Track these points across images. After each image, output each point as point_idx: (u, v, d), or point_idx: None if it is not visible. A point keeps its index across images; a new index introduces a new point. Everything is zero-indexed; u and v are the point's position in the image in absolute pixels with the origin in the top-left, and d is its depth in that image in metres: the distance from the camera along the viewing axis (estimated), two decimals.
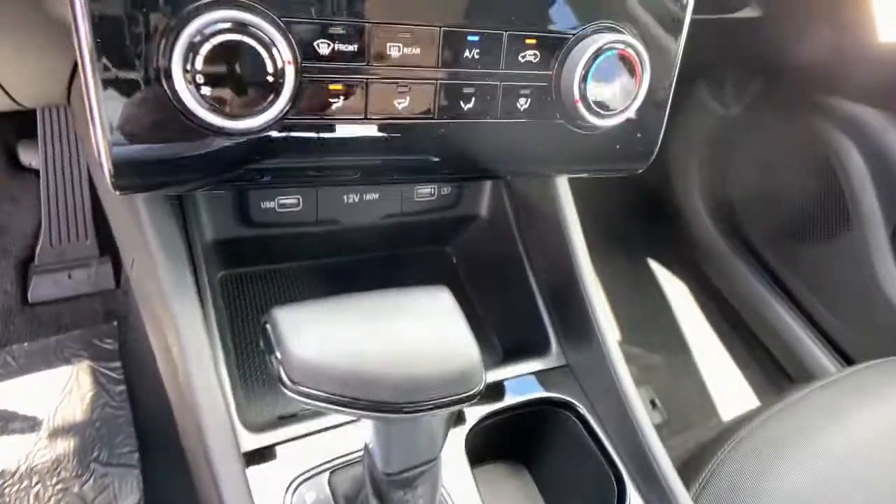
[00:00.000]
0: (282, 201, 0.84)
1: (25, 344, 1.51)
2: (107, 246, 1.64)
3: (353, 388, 0.49)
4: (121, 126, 0.52)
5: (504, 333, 0.98)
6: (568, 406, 0.85)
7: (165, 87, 0.51)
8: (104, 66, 0.49)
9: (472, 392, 0.53)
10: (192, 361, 0.67)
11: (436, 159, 0.65)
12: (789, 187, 1.74)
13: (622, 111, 0.66)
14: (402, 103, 0.60)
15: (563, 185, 0.87)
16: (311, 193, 0.85)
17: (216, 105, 0.51)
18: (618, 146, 0.71)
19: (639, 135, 0.71)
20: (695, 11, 0.92)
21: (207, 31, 0.49)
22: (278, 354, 0.50)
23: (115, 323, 1.59)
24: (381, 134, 0.60)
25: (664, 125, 0.72)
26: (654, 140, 0.73)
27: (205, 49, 0.49)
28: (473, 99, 0.62)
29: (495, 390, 0.83)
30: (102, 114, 0.50)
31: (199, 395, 0.66)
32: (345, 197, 0.87)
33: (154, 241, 0.69)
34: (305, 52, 0.55)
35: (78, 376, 1.52)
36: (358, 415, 0.51)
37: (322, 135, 0.59)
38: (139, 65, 0.50)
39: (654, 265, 2.15)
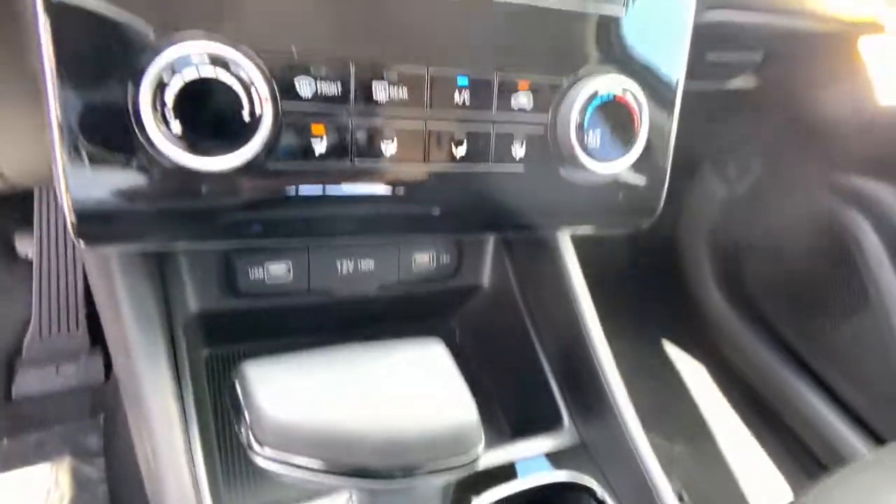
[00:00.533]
0: (271, 270, 0.80)
1: (4, 440, 1.42)
2: (98, 337, 1.58)
3: (329, 451, 0.43)
4: (84, 165, 0.48)
5: (512, 410, 0.90)
6: (586, 490, 0.76)
7: (133, 122, 0.48)
8: (67, 97, 0.46)
9: (467, 456, 0.46)
10: (165, 460, 0.60)
11: (429, 208, 0.61)
12: (803, 264, 1.69)
13: (622, 157, 0.62)
14: (389, 147, 0.56)
15: (567, 250, 0.83)
16: (303, 261, 0.81)
17: (186, 143, 0.48)
18: (621, 196, 0.67)
19: (642, 184, 0.68)
20: (687, 80, 0.91)
21: (179, 64, 0.47)
22: (246, 415, 0.44)
23: (102, 417, 1.50)
24: (368, 181, 0.57)
25: (668, 174, 0.69)
26: (659, 190, 0.69)
27: (175, 83, 0.47)
28: (466, 144, 0.59)
29: (505, 472, 0.75)
30: (64, 149, 0.47)
31: (171, 498, 0.59)
32: (338, 265, 0.83)
33: (129, 316, 0.64)
34: (286, 91, 0.52)
35: (58, 476, 1.41)
36: (336, 484, 0.44)
37: (303, 182, 0.55)
38: (105, 97, 0.47)
39: (669, 347, 2.06)
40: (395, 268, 0.86)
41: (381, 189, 0.58)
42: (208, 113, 0.48)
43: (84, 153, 0.48)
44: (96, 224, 0.51)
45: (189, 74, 0.47)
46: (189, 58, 0.47)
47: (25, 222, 1.61)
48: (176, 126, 0.47)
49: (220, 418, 0.83)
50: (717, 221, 1.91)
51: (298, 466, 0.43)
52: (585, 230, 0.75)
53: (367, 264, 0.84)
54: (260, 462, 0.44)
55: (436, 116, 0.57)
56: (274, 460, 0.43)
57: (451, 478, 0.47)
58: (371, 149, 0.56)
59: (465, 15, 0.56)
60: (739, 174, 1.86)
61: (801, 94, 1.25)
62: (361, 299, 0.86)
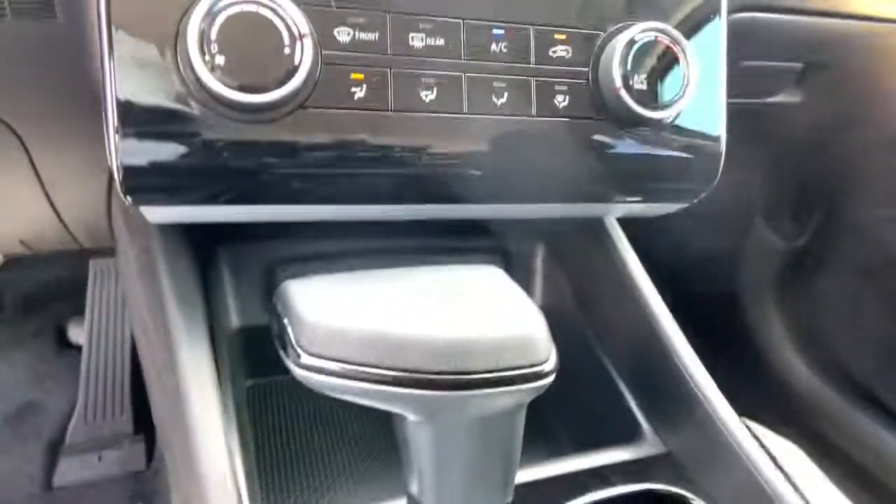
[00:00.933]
0: None
1: None
2: (142, 423, 1.54)
3: (378, 353, 0.37)
4: (133, 110, 0.48)
5: (580, 430, 0.81)
6: (682, 501, 0.65)
7: (178, 57, 0.48)
8: (119, 40, 0.48)
9: (537, 364, 0.40)
10: None
11: (472, 170, 0.58)
12: (887, 314, 1.55)
13: (673, 102, 0.60)
14: (428, 96, 0.56)
15: (621, 241, 0.78)
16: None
17: (229, 76, 0.48)
18: (674, 155, 0.64)
19: (698, 141, 0.64)
20: (729, 96, 0.90)
21: (223, 2, 0.48)
22: (286, 322, 0.40)
23: None
24: (408, 134, 0.55)
25: (723, 128, 0.65)
26: (716, 150, 0.65)
27: (220, 18, 0.48)
28: (506, 94, 0.58)
29: (583, 481, 0.65)
30: (115, 95, 0.48)
31: None
32: None
33: (177, 327, 0.60)
34: (326, 39, 0.53)
35: None
36: (387, 395, 0.38)
37: (344, 130, 0.54)
38: (154, 35, 0.49)
39: (751, 425, 1.86)
40: None
41: (420, 140, 0.56)
42: (252, 48, 0.49)
43: (133, 101, 0.48)
44: (144, 177, 0.50)
45: (233, 9, 0.48)
46: None
47: (78, 312, 1.65)
48: (220, 59, 0.48)
49: (264, 456, 0.77)
50: (783, 278, 1.80)
51: (341, 376, 0.38)
52: (637, 206, 0.70)
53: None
54: (301, 373, 0.39)
55: (473, 66, 0.57)
56: (314, 370, 0.38)
57: (521, 396, 0.40)
58: (410, 97, 0.55)
59: None
60: (795, 226, 1.78)
61: (851, 106, 1.21)
62: None
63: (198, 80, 0.48)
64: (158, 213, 0.57)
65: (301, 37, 0.50)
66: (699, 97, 0.62)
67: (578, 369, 0.82)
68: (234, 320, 0.75)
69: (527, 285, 0.88)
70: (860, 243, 1.62)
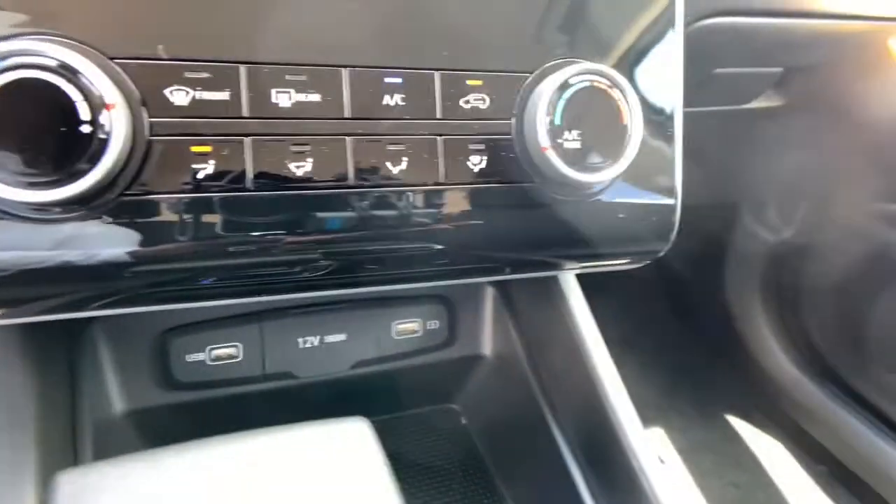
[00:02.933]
0: (215, 352, 0.65)
1: None
2: None
3: None
4: None
5: (524, 493, 0.71)
6: None
7: None
8: None
9: None
10: None
11: (358, 252, 0.46)
12: (874, 307, 1.47)
13: (612, 161, 0.48)
14: (301, 167, 0.43)
15: (573, 295, 0.67)
16: (255, 339, 0.66)
17: (4, 169, 0.35)
18: (617, 220, 0.52)
19: (646, 201, 0.53)
20: (706, 104, 0.78)
21: None
22: None
23: None
24: (272, 213, 0.43)
25: (678, 183, 0.54)
26: (670, 204, 0.54)
27: None
28: (404, 159, 0.45)
29: None
30: None
31: None
32: (300, 341, 0.68)
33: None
34: (156, 104, 0.40)
35: None
36: None
37: (184, 219, 0.41)
38: None
39: (732, 420, 1.80)
40: (371, 340, 0.71)
41: (293, 224, 0.44)
42: (33, 130, 0.36)
43: None
44: None
45: (8, 75, 0.35)
46: (6, 58, 0.35)
47: None
48: None
49: None
50: (768, 271, 1.72)
51: None
52: (582, 265, 0.59)
53: (337, 338, 0.69)
54: None
55: (361, 126, 0.44)
56: None
57: None
58: (276, 169, 0.43)
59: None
60: (782, 214, 1.68)
61: (834, 109, 1.10)
62: (334, 382, 0.70)
63: None
64: None
65: (106, 107, 0.37)
66: (647, 150, 0.50)
67: (524, 425, 0.72)
68: (118, 406, 0.64)
69: (475, 330, 0.78)
70: (846, 238, 1.53)
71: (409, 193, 0.46)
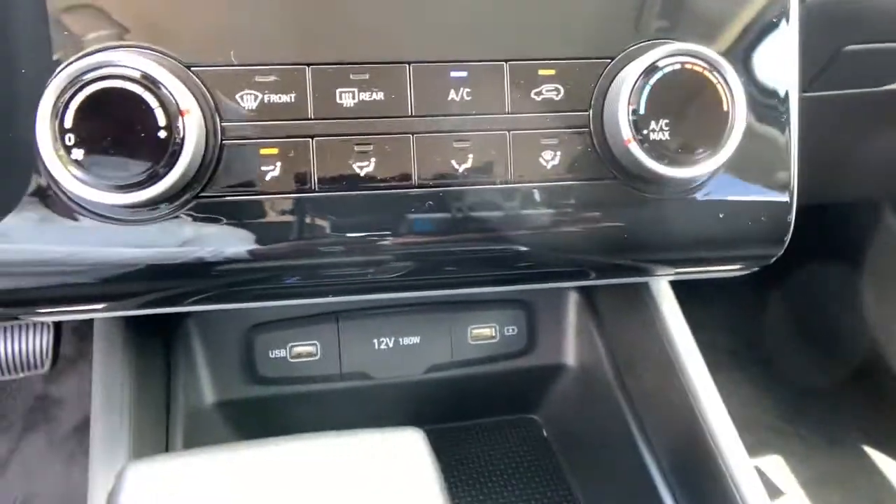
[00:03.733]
0: (295, 349, 0.67)
1: None
2: None
3: None
4: None
5: None
6: None
7: (35, 156, 0.39)
8: None
9: None
10: None
11: (429, 256, 0.45)
12: None
13: (709, 154, 0.43)
14: (364, 167, 0.43)
15: (666, 304, 0.61)
16: (332, 339, 0.68)
17: (91, 174, 0.38)
18: (722, 216, 0.47)
19: (755, 196, 0.47)
20: (834, 87, 0.70)
21: (79, 80, 0.38)
22: None
23: None
24: (337, 214, 0.43)
25: (794, 176, 0.47)
26: (784, 204, 0.47)
27: (75, 102, 0.38)
28: (470, 156, 0.44)
29: None
30: None
31: None
32: (375, 342, 0.69)
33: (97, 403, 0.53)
34: (227, 108, 0.41)
35: None
36: None
37: (258, 219, 0.43)
38: (7, 131, 0.40)
39: (868, 451, 1.58)
40: (446, 344, 0.70)
41: (357, 225, 0.44)
42: (116, 136, 0.38)
43: None
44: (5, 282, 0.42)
45: (93, 85, 0.38)
46: (91, 70, 0.38)
47: None
48: (77, 152, 0.38)
49: None
50: None
51: None
52: (681, 271, 0.54)
53: (411, 340, 0.69)
54: None
55: (425, 124, 0.43)
56: None
57: None
58: (340, 169, 0.43)
59: None
60: None
61: None
62: (408, 384, 0.70)
63: (53, 178, 0.38)
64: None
65: (181, 113, 0.39)
66: (754, 139, 0.45)
67: (609, 443, 0.67)
68: (209, 397, 0.67)
69: (556, 338, 0.74)
70: None
71: (477, 193, 0.44)
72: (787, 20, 0.46)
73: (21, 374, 0.91)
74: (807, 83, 0.78)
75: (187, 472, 0.35)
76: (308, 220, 0.43)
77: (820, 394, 1.64)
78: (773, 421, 1.53)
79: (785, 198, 0.47)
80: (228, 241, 0.42)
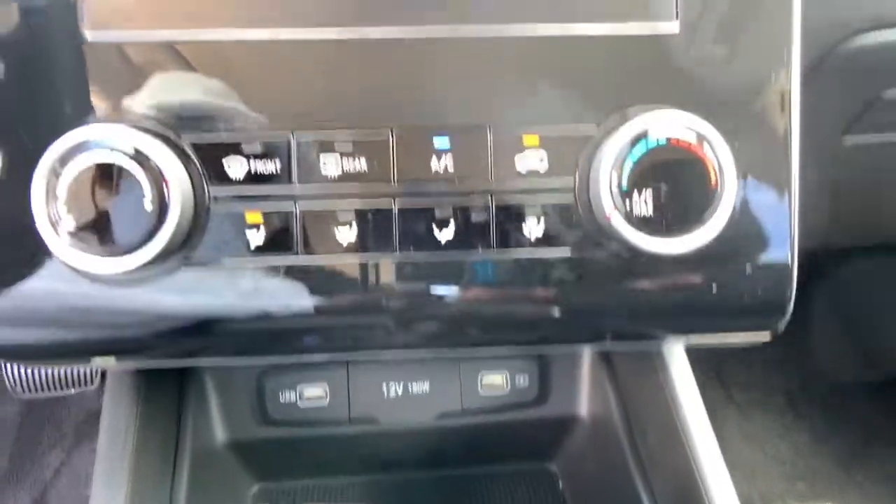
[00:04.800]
0: (305, 393, 0.68)
1: None
2: None
3: None
4: None
5: None
6: None
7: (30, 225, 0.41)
8: None
9: None
10: None
11: (408, 319, 0.45)
12: None
13: (693, 231, 0.41)
14: (345, 234, 0.43)
15: (676, 365, 0.59)
16: (341, 383, 0.68)
17: (81, 241, 0.40)
18: (714, 288, 0.45)
19: (749, 265, 0.44)
20: (874, 130, 0.68)
21: (70, 153, 0.40)
22: None
23: None
24: (319, 279, 0.44)
25: (794, 243, 0.45)
26: (782, 270, 0.45)
27: (67, 174, 0.40)
28: (452, 223, 0.43)
29: None
30: None
31: None
32: (384, 387, 0.69)
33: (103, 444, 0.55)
34: (215, 173, 0.43)
35: None
36: None
37: (240, 281, 0.44)
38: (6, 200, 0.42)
39: None
40: (456, 392, 0.69)
41: (338, 290, 0.44)
42: (105, 205, 0.40)
43: None
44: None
45: (79, 163, 0.40)
46: (83, 144, 0.40)
47: None
48: (68, 222, 0.40)
49: None
50: None
51: None
52: (683, 338, 0.52)
53: (421, 387, 0.69)
54: None
55: (407, 190, 0.43)
56: None
57: None
58: (322, 236, 0.43)
59: (437, 54, 0.43)
60: None
61: None
62: (419, 431, 0.70)
63: (46, 247, 0.41)
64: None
65: (167, 183, 0.40)
66: (748, 208, 0.43)
67: (618, 499, 0.65)
68: (220, 436, 0.69)
69: (569, 389, 0.72)
70: None
71: (456, 265, 0.44)
72: (787, 90, 0.44)
73: (73, 390, 0.97)
74: (845, 128, 0.74)
75: None
76: (291, 284, 0.44)
77: (882, 439, 1.53)
78: (830, 468, 1.43)
79: (784, 267, 0.45)
80: (217, 303, 0.44)
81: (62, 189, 0.40)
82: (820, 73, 0.61)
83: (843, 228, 0.89)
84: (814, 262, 0.67)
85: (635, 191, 0.41)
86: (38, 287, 0.43)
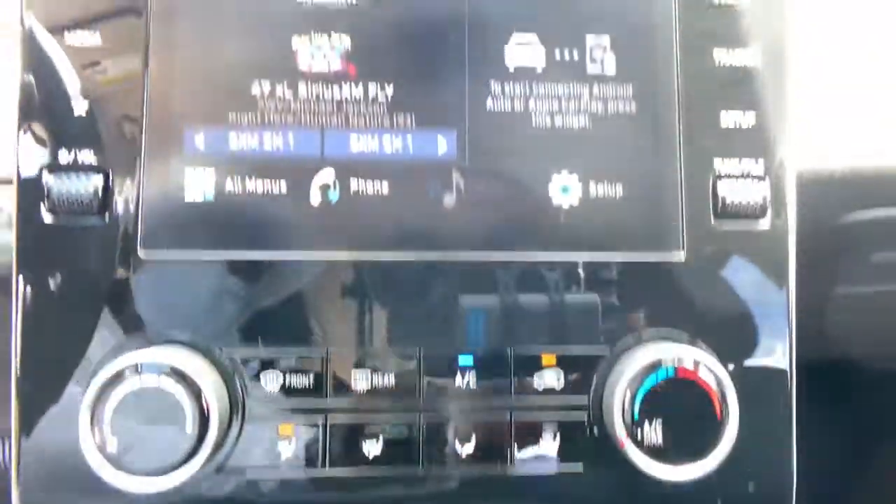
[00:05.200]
0: None
1: None
2: None
3: None
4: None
5: None
6: None
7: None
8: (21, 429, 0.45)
9: None
10: None
11: None
12: None
13: (699, 460, 0.44)
14: (372, 449, 0.46)
15: None
16: None
17: (123, 465, 0.42)
18: (719, 501, 0.47)
19: (750, 487, 0.47)
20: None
21: (114, 380, 0.42)
22: None
23: None
24: (345, 492, 0.46)
25: (794, 468, 0.48)
26: (786, 491, 0.48)
27: (109, 401, 0.42)
28: (473, 438, 0.46)
29: None
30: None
31: None
32: None
33: None
34: (253, 388, 0.45)
35: None
36: None
37: (273, 488, 0.46)
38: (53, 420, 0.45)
39: None
40: None
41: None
42: (149, 428, 0.42)
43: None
44: None
45: (125, 388, 0.42)
46: (124, 371, 0.42)
47: None
48: (112, 443, 0.42)
49: None
50: None
51: None
52: None
53: None
54: None
55: (433, 406, 0.46)
56: None
57: None
58: (349, 450, 0.46)
59: (465, 278, 0.47)
60: None
61: None
62: None
63: (87, 467, 0.42)
64: None
65: (207, 403, 0.43)
66: (749, 440, 0.45)
67: None
68: None
69: None
70: None
71: (475, 479, 0.46)
72: (784, 314, 0.48)
73: None
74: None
75: None
76: (318, 497, 0.46)
77: None
78: None
79: (785, 482, 0.48)
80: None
81: (105, 413, 0.42)
82: None
83: None
84: None
85: (646, 420, 0.44)
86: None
